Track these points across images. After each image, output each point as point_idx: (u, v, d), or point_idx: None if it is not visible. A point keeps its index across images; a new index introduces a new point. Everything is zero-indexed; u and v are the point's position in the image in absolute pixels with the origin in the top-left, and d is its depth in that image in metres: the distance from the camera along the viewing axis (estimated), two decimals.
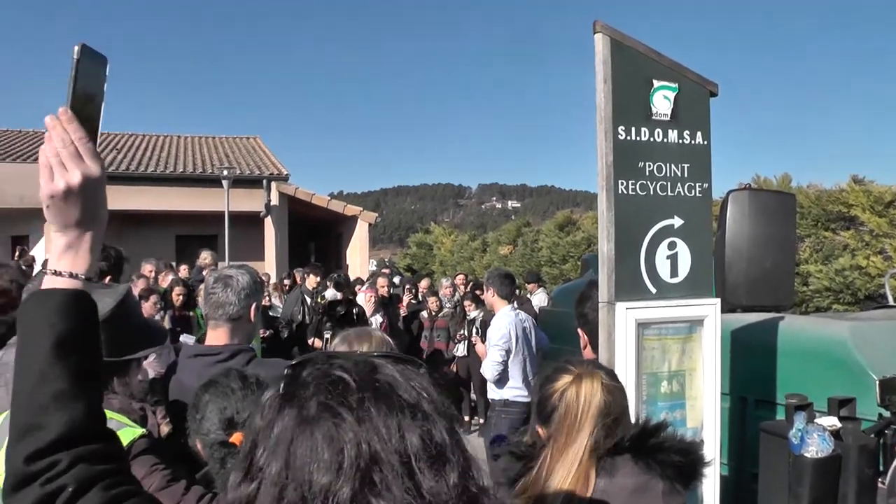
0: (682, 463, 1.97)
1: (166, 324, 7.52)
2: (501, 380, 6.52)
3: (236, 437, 1.93)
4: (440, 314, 10.89)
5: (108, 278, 3.49)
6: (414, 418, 0.95)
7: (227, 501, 0.95)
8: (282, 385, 0.98)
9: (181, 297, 8.42)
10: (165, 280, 9.08)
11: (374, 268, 21.84)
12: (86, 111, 1.22)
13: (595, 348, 3.06)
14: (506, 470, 2.13)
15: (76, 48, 1.21)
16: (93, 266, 1.23)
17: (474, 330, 9.20)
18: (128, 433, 1.98)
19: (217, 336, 2.92)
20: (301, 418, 0.92)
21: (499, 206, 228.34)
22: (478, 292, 9.64)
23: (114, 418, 2.03)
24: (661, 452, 1.97)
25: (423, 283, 13.17)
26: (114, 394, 2.21)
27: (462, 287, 12.11)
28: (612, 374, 2.22)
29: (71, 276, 1.20)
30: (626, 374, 2.92)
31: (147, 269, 9.00)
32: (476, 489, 1.00)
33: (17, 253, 8.91)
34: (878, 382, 3.17)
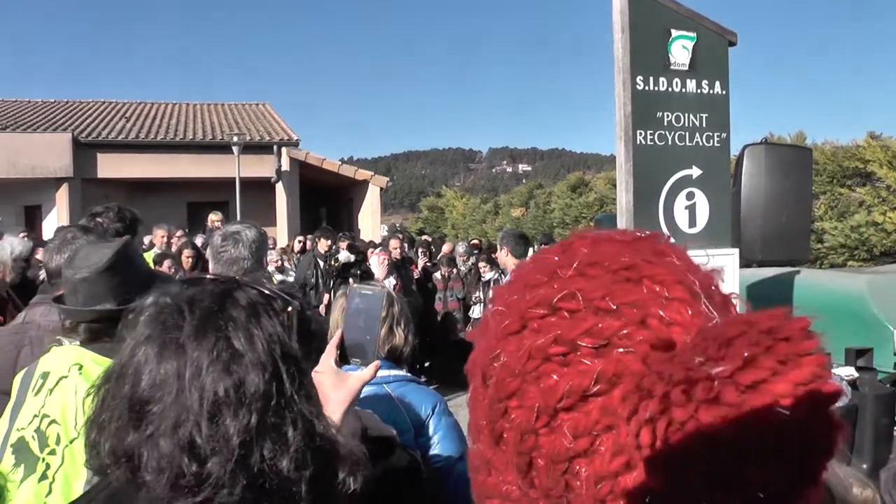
0: None
1: None
2: None
3: None
4: (454, 275, 10.93)
5: None
6: (229, 364, 1.02)
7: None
8: (157, 301, 1.09)
9: (190, 260, 8.44)
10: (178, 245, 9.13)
11: (386, 233, 21.86)
12: (356, 338, 1.59)
13: None
14: None
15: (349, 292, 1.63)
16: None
17: (490, 291, 9.22)
18: None
19: None
20: (143, 336, 1.04)
21: (509, 169, 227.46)
22: (493, 255, 9.64)
23: None
24: None
25: (446, 248, 13.17)
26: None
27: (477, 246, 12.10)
28: None
29: None
30: None
31: (159, 234, 9.04)
32: (322, 441, 1.08)
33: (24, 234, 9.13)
34: (895, 334, 3.17)
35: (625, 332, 0.58)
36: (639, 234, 0.68)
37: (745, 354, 0.50)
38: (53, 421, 1.99)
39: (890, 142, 10.26)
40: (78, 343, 2.15)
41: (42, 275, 3.74)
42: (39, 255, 8.15)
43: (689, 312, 0.58)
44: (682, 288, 0.59)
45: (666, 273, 0.60)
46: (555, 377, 0.59)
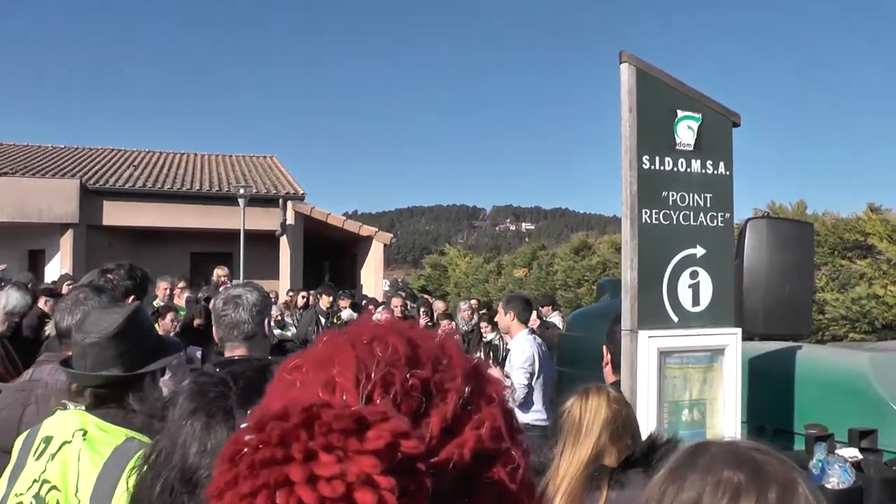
0: None
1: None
2: (525, 403, 6.48)
3: None
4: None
5: (131, 298, 3.51)
6: None
7: (146, 452, 1.18)
8: (195, 380, 1.18)
9: (201, 328, 8.45)
10: (181, 298, 9.13)
11: (388, 288, 21.85)
12: None
13: (616, 368, 3.08)
14: None
15: None
16: None
17: (490, 352, 9.19)
18: None
19: None
20: (188, 411, 1.12)
21: (513, 228, 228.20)
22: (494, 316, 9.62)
23: (136, 437, 2.06)
24: None
25: (439, 305, 13.18)
26: (134, 412, 2.23)
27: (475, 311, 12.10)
28: (620, 395, 2.27)
29: None
30: (648, 402, 2.93)
31: (162, 286, 9.05)
32: None
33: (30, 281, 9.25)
34: None
35: None
36: (386, 323, 0.70)
37: (278, 432, 0.53)
38: (54, 487, 1.97)
39: (889, 215, 10.33)
40: (83, 408, 2.15)
41: (49, 329, 3.75)
42: (41, 303, 8.18)
43: (343, 398, 0.60)
44: (349, 375, 0.61)
45: (348, 359, 0.62)
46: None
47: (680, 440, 2.10)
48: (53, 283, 10.83)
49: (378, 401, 0.60)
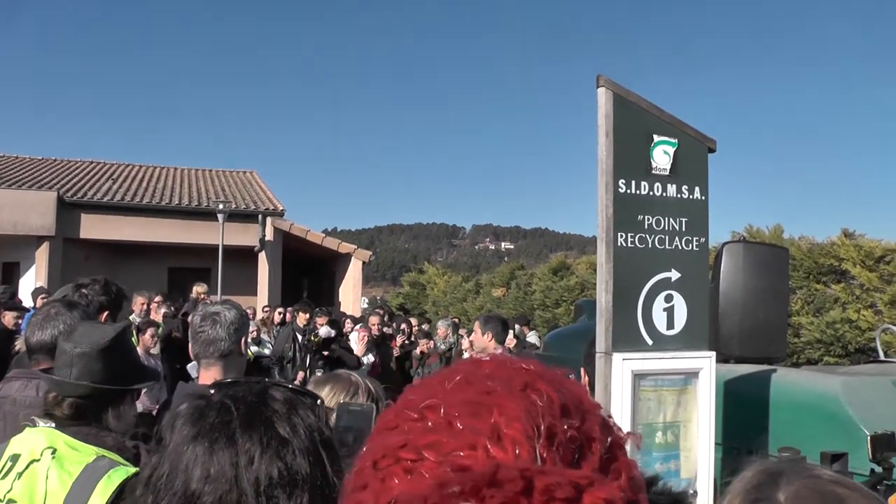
0: None
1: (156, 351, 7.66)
2: None
3: None
4: (431, 351, 10.92)
5: (105, 313, 3.48)
6: (279, 450, 1.13)
7: (143, 475, 1.18)
8: (194, 404, 1.18)
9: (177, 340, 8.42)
10: (157, 313, 9.07)
11: (367, 306, 21.79)
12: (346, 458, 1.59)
13: (594, 391, 3.09)
14: None
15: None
16: None
17: None
18: (121, 472, 1.98)
19: (211, 375, 2.91)
20: (189, 436, 1.13)
21: (492, 247, 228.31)
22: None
23: (106, 456, 2.04)
24: None
25: (416, 321, 13.19)
26: (107, 431, 2.22)
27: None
28: None
29: None
30: (622, 424, 2.94)
31: (139, 301, 8.98)
32: None
33: None
34: (869, 438, 3.19)
35: (460, 453, 0.58)
36: (525, 365, 0.67)
37: (498, 500, 0.50)
38: None
39: (863, 241, 10.49)
40: (53, 425, 2.13)
41: (19, 345, 3.71)
42: (6, 319, 8.10)
43: (516, 451, 0.57)
44: (518, 427, 0.58)
45: (514, 409, 0.59)
46: (396, 481, 0.59)
47: (660, 478, 2.08)
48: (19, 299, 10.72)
49: (545, 454, 0.58)
